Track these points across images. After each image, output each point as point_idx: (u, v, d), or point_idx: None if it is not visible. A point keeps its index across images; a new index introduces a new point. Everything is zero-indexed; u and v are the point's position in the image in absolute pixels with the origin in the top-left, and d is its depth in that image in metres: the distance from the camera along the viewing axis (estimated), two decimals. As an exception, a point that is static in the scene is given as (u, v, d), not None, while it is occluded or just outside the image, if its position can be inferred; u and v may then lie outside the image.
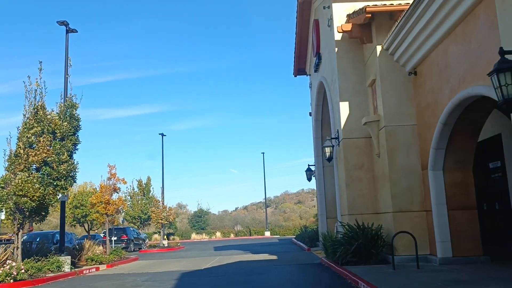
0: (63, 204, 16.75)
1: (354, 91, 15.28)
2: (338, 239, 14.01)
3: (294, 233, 54.78)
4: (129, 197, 39.76)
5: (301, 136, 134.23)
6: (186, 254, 25.97)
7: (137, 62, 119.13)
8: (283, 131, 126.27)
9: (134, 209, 38.93)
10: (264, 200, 55.16)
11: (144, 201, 39.38)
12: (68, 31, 17.27)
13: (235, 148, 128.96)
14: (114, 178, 22.71)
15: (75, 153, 15.34)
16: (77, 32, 17.46)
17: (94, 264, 18.73)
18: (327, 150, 15.80)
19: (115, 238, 31.33)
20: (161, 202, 34.11)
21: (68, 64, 16.36)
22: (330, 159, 15.88)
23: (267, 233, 52.45)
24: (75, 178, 15.08)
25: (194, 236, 51.76)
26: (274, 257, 19.40)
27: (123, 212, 23.60)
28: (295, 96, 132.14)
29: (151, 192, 39.45)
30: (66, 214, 37.53)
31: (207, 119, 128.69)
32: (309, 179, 22.96)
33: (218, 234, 52.22)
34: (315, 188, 26.05)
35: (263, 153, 54.34)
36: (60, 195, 15.57)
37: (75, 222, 34.38)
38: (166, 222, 33.48)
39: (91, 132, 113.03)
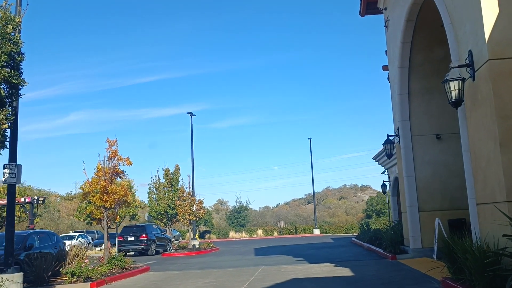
0: (11, 189, 10.45)
1: (507, -27, 8.23)
2: (503, 252, 7.00)
3: (346, 230, 47.54)
4: (154, 189, 33.86)
5: (342, 132, 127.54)
6: (218, 260, 19.50)
7: (177, 63, 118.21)
8: (324, 128, 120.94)
9: (159, 203, 32.93)
10: (312, 193, 47.91)
11: (171, 194, 33.32)
12: None
13: (276, 146, 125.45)
14: (115, 157, 16.45)
15: (14, 99, 8.97)
16: None
17: (74, 282, 12.51)
18: (453, 86, 8.74)
19: (132, 239, 25.33)
20: (188, 194, 27.77)
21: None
22: (458, 102, 8.81)
23: (316, 231, 45.49)
24: (4, 140, 8.69)
25: (232, 234, 45.33)
26: (347, 270, 12.55)
27: (127, 204, 17.27)
28: (329, 94, 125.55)
29: (180, 183, 33.22)
30: (79, 210, 32.00)
31: (246, 117, 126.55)
32: (390, 155, 15.91)
33: (259, 232, 45.58)
34: (396, 169, 19.02)
35: (310, 139, 47.34)
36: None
37: (89, 219, 28.63)
38: (195, 218, 27.16)
39: (135, 131, 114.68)
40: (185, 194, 27.42)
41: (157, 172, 34.50)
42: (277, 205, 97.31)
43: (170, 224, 33.31)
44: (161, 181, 33.59)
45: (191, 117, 32.21)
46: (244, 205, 52.36)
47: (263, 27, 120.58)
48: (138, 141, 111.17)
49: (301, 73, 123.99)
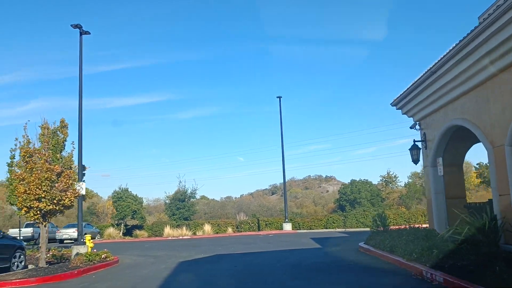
0: None
1: None
2: None
3: (326, 225, 35.07)
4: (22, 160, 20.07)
5: (306, 125, 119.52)
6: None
7: (140, 50, 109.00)
8: (288, 121, 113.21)
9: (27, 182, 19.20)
10: (282, 171, 34.64)
11: (54, 165, 19.57)
12: None
13: (242, 137, 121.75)
14: None
15: None
16: None
17: None
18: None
19: None
20: (45, 157, 14.34)
21: None
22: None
23: (287, 226, 32.74)
24: None
25: (168, 231, 31.85)
26: None
27: None
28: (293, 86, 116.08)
29: (66, 150, 19.37)
30: None
31: (212, 107, 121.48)
32: None
33: (206, 228, 32.27)
34: (447, 113, 6.48)
35: (280, 97, 34.45)
36: None
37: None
38: (52, 207, 13.82)
39: (99, 120, 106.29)
40: (37, 159, 13.90)
41: (25, 130, 20.33)
42: (241, 195, 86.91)
43: (47, 216, 19.63)
44: (34, 145, 19.88)
45: (81, 35, 18.72)
46: (190, 190, 38.89)
47: (228, 16, 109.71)
48: (101, 129, 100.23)
49: (269, 64, 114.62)
